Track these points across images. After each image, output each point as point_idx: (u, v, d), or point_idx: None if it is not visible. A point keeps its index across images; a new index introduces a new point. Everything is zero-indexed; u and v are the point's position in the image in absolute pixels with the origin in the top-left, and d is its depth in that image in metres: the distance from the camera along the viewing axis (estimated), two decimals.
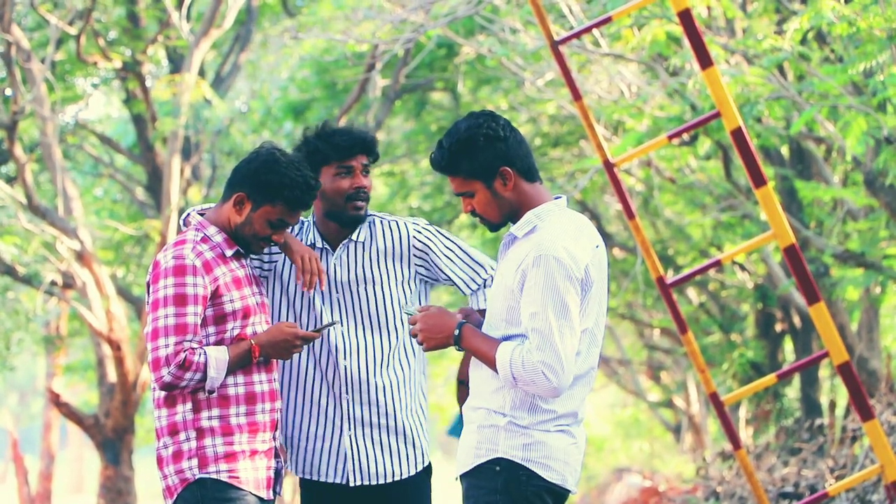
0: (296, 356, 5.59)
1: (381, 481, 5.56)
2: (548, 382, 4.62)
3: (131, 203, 21.11)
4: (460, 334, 4.83)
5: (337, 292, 5.57)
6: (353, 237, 5.59)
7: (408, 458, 5.64)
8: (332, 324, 5.45)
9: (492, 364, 4.73)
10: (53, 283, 17.14)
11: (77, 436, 46.23)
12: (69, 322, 23.90)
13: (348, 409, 5.54)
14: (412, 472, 5.65)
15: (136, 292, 20.41)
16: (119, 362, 16.11)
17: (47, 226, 15.76)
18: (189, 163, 17.79)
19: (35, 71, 15.22)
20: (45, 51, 16.66)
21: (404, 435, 5.59)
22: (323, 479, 5.59)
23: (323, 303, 5.57)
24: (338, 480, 5.56)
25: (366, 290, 5.57)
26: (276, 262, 5.63)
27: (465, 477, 4.86)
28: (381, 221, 5.66)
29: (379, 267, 5.59)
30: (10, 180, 17.79)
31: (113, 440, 16.41)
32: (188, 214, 5.49)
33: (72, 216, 15.86)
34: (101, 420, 16.46)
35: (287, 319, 5.60)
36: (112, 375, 16.81)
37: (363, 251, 5.59)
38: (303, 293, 5.58)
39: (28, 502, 23.34)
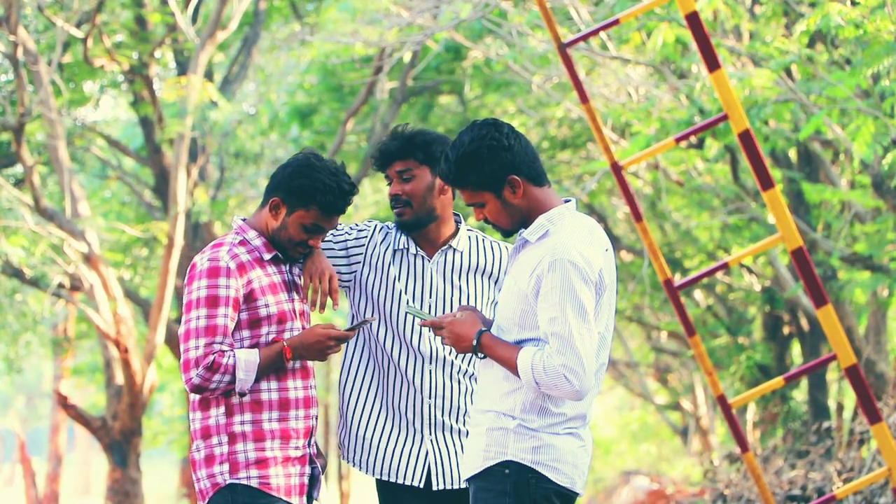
0: (381, 358, 5.57)
1: (465, 486, 5.49)
2: (570, 385, 4.63)
3: (139, 205, 21.14)
4: (479, 344, 4.83)
5: (430, 297, 5.55)
6: (453, 244, 5.59)
7: None
8: (366, 322, 5.40)
9: (513, 370, 4.74)
10: (61, 286, 17.16)
11: (84, 438, 46.31)
12: (77, 324, 23.94)
13: (430, 414, 5.52)
14: None
15: (143, 294, 20.44)
16: (126, 364, 16.11)
17: (55, 228, 15.77)
18: (196, 165, 17.80)
19: (42, 73, 15.23)
20: (53, 53, 16.68)
21: None
22: (402, 481, 5.54)
23: (419, 307, 5.54)
24: (419, 484, 5.52)
25: (459, 298, 5.56)
26: (355, 271, 5.60)
27: (474, 480, 4.85)
28: (483, 240, 5.67)
29: (474, 279, 5.59)
30: (17, 182, 17.81)
31: (120, 442, 16.42)
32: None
33: (79, 218, 15.87)
34: (109, 422, 16.47)
35: (379, 326, 5.58)
36: (119, 378, 16.83)
37: (460, 260, 5.59)
38: (392, 297, 5.55)
39: None
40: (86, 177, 21.78)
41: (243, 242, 5.37)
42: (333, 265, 5.57)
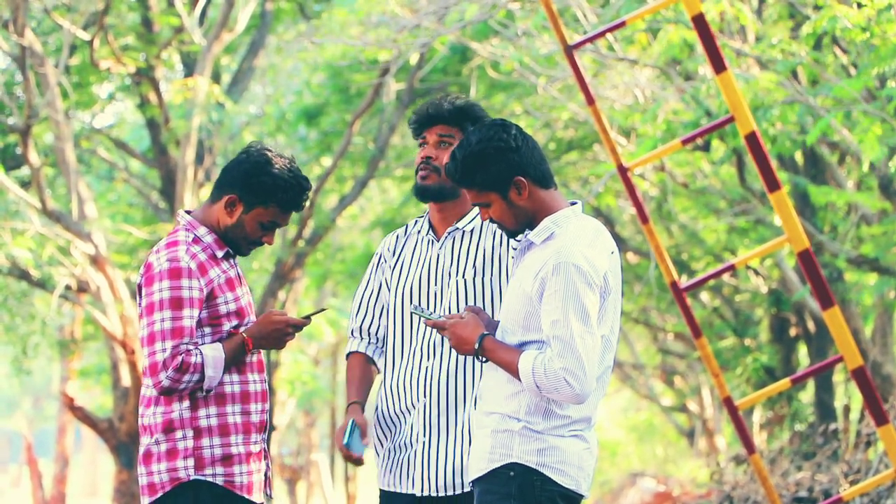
0: (392, 361, 5.37)
1: (458, 492, 5.21)
2: (570, 389, 4.62)
3: (146, 207, 21.17)
4: (480, 347, 4.83)
5: (435, 285, 5.30)
6: (459, 225, 5.32)
7: None
8: (323, 310, 5.38)
9: (515, 374, 4.74)
10: (68, 288, 17.17)
11: (91, 439, 46.35)
12: (83, 326, 23.94)
13: (425, 414, 5.24)
14: None
15: None
16: (133, 366, 16.15)
17: (61, 230, 15.81)
18: (202, 166, 17.82)
19: (49, 75, 15.26)
20: (60, 55, 16.72)
21: None
22: (402, 490, 5.27)
23: (428, 298, 5.30)
24: (415, 492, 5.23)
25: (465, 280, 5.27)
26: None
27: (479, 482, 4.84)
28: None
29: (483, 261, 5.27)
30: (24, 184, 17.84)
31: (127, 444, 16.45)
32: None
33: (86, 220, 15.90)
34: (116, 424, 16.50)
35: (403, 330, 5.34)
36: (126, 379, 16.86)
37: (469, 241, 5.32)
38: (399, 291, 5.34)
39: None
40: (92, 179, 21.80)
41: (196, 240, 5.30)
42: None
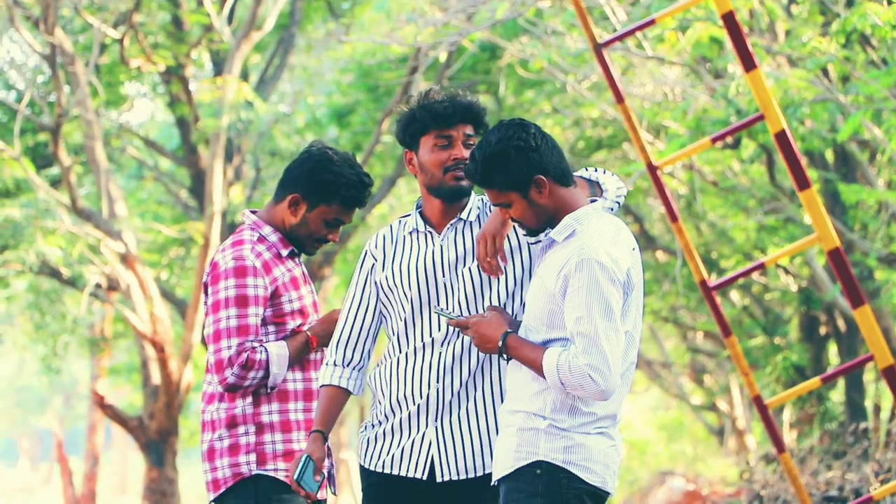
0: (397, 348, 5.20)
1: (471, 475, 5.12)
2: (595, 385, 4.62)
3: (175, 205, 21.23)
4: (504, 345, 4.83)
5: (444, 276, 5.16)
6: (462, 216, 5.19)
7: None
8: None
9: (539, 371, 4.74)
10: (98, 286, 17.22)
11: (121, 437, 46.49)
12: (113, 324, 24.03)
13: (438, 398, 5.11)
14: None
15: (179, 294, 20.52)
16: (163, 364, 16.18)
17: (92, 228, 15.86)
18: (231, 164, 17.86)
19: (79, 74, 15.31)
20: (90, 54, 16.77)
21: (496, 426, 5.11)
22: (404, 473, 5.13)
23: (438, 290, 5.15)
24: (419, 475, 5.11)
25: (471, 268, 5.12)
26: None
27: (504, 480, 4.84)
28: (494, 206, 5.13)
29: None
30: (54, 183, 17.91)
31: (157, 442, 16.48)
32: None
33: (116, 219, 15.94)
34: (146, 422, 16.54)
35: (413, 321, 5.17)
36: (156, 377, 16.90)
37: (470, 231, 5.18)
38: (403, 281, 5.17)
39: (73, 503, 23.51)
40: (122, 177, 21.88)
41: (261, 239, 5.37)
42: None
